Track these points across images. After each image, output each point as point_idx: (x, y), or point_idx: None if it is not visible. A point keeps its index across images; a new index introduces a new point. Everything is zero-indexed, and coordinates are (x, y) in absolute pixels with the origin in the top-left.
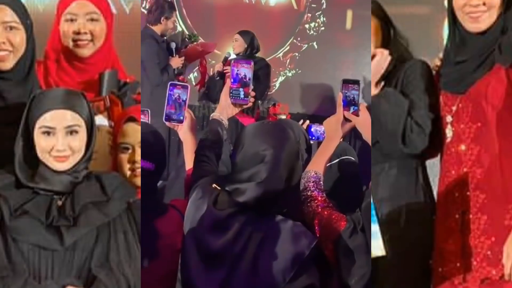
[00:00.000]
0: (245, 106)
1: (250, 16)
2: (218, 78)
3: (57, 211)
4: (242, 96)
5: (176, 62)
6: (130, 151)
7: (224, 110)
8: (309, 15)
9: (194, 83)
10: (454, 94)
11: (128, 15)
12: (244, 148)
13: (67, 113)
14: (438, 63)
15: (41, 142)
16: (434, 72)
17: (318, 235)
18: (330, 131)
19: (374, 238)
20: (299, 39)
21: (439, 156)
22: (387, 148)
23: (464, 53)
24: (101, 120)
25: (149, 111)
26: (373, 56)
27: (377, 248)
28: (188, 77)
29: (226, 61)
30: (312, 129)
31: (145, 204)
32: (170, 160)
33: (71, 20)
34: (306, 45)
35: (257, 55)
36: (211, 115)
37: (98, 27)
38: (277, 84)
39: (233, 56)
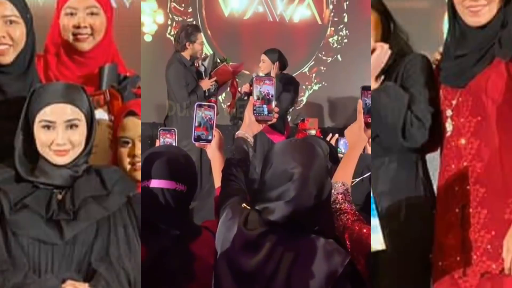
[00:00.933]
0: (269, 122)
1: (275, 34)
2: (245, 98)
3: (57, 205)
4: (266, 112)
5: (206, 84)
6: (130, 145)
7: (248, 127)
8: (332, 28)
9: (223, 105)
10: (454, 88)
11: (128, 9)
12: (272, 166)
13: (67, 107)
14: (438, 57)
15: (41, 136)
16: (434, 66)
17: (349, 250)
18: (352, 140)
19: (374, 232)
20: (323, 53)
21: (439, 150)
22: (387, 142)
23: (464, 47)
24: (101, 114)
25: (176, 131)
26: (373, 50)
27: (377, 242)
28: (217, 98)
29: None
30: (342, 142)
31: (180, 226)
32: (203, 180)
33: (71, 14)
34: (330, 58)
35: (285, 71)
36: (236, 133)
37: (98, 21)
38: (304, 99)
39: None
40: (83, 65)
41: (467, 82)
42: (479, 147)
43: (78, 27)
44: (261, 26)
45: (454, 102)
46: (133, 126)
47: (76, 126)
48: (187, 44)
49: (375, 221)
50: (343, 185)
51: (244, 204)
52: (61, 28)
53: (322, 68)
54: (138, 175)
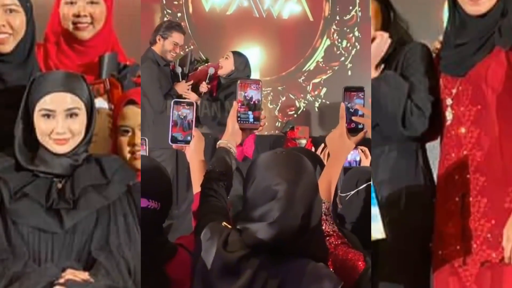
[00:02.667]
0: (255, 131)
1: (261, 31)
2: (208, 99)
3: (57, 194)
4: (251, 120)
5: (182, 87)
6: (130, 133)
7: (231, 136)
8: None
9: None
10: (454, 77)
11: None
12: (255, 182)
13: (67, 96)
14: (438, 45)
15: (41, 125)
16: (434, 55)
17: None
18: (334, 148)
19: (374, 221)
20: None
21: (439, 139)
22: (387, 130)
23: (464, 35)
24: (101, 102)
25: (147, 140)
26: (373, 39)
27: (377, 231)
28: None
29: (211, 79)
30: None
31: (151, 247)
32: (179, 194)
33: (71, 2)
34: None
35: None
36: (218, 143)
37: (98, 10)
38: (299, 112)
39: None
40: (83, 54)
41: (467, 71)
42: (479, 136)
43: (78, 16)
44: (246, 22)
45: (454, 91)
46: (133, 115)
47: (76, 115)
48: (157, 38)
49: (375, 210)
50: (324, 203)
51: (224, 223)
52: (61, 17)
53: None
54: (138, 164)
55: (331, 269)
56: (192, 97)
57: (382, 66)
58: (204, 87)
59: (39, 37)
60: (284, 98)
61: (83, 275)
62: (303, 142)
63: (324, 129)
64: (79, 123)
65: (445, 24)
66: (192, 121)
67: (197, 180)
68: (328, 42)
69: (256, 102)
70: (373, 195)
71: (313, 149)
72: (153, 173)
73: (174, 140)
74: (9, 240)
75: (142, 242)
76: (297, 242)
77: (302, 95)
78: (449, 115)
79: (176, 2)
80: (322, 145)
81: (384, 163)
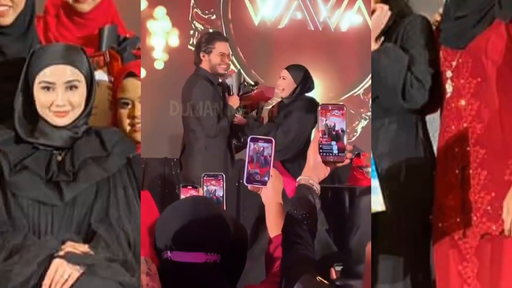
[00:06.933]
0: (340, 164)
1: (317, 46)
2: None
3: (57, 167)
4: (335, 151)
5: (235, 101)
6: (129, 106)
7: (314, 171)
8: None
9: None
10: (454, 49)
11: None
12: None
13: (67, 68)
14: (438, 18)
15: (40, 97)
16: (434, 27)
17: None
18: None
19: (374, 193)
20: None
21: (439, 112)
22: (387, 103)
23: (464, 8)
24: (100, 75)
25: (224, 177)
26: (373, 11)
27: (377, 203)
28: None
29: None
30: None
31: None
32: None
33: None
34: None
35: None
36: (298, 180)
37: None
38: (359, 129)
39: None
40: (82, 26)
41: (467, 43)
42: (479, 108)
43: None
44: (300, 36)
45: (454, 63)
46: (133, 87)
47: (76, 87)
48: (201, 55)
49: (375, 182)
50: None
51: (319, 278)
52: None
53: None
54: (138, 136)
55: None
56: (241, 121)
57: (382, 38)
58: (233, 101)
59: (38, 9)
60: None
61: (83, 248)
62: (369, 170)
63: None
64: (79, 96)
65: None
66: (270, 157)
67: (275, 224)
68: None
69: (340, 131)
70: (373, 167)
71: None
72: (212, 218)
73: (250, 179)
74: (9, 213)
75: None
76: None
77: (362, 110)
78: (449, 87)
79: (206, 16)
80: None
81: (384, 136)
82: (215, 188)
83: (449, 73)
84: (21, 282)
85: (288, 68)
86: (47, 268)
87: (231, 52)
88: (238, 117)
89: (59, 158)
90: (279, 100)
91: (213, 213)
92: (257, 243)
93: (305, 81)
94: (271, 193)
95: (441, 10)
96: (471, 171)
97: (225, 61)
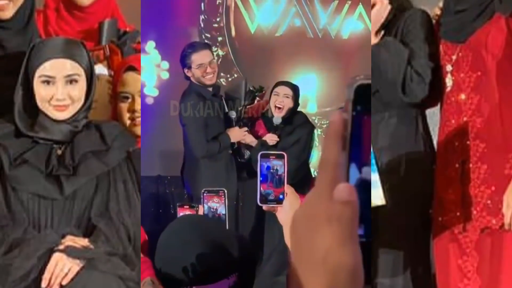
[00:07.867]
0: None
1: (317, 54)
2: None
3: (57, 160)
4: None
5: (236, 134)
6: (129, 100)
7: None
8: None
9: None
10: (454, 43)
11: None
12: None
13: (67, 62)
14: (438, 12)
15: (40, 91)
16: (434, 21)
17: None
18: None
19: (374, 187)
20: None
21: (439, 105)
22: (387, 97)
23: (464, 2)
24: (100, 69)
25: (226, 192)
26: (373, 5)
27: (377, 197)
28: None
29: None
30: None
31: None
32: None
33: None
34: None
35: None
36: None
37: None
38: None
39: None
40: (83, 20)
41: (467, 37)
42: (479, 102)
43: None
44: (299, 44)
45: (454, 57)
46: (133, 81)
47: (76, 81)
48: (185, 72)
49: (375, 176)
50: None
51: None
52: None
53: None
54: (138, 130)
55: None
56: (251, 140)
57: (382, 32)
58: (271, 138)
59: (38, 3)
60: None
61: (83, 242)
62: None
63: None
64: (79, 90)
65: None
66: (284, 175)
67: None
68: None
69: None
70: (373, 161)
71: None
72: (224, 242)
73: (264, 200)
74: (9, 207)
75: None
76: None
77: None
78: (449, 81)
79: (216, 25)
80: None
81: (384, 130)
82: (216, 206)
83: (449, 67)
84: (21, 276)
85: (285, 83)
86: (47, 262)
87: (214, 58)
88: (249, 137)
89: (59, 152)
90: (277, 122)
91: (221, 231)
92: (268, 261)
93: (298, 99)
94: (290, 212)
95: (441, 4)
96: (471, 165)
97: (208, 71)
